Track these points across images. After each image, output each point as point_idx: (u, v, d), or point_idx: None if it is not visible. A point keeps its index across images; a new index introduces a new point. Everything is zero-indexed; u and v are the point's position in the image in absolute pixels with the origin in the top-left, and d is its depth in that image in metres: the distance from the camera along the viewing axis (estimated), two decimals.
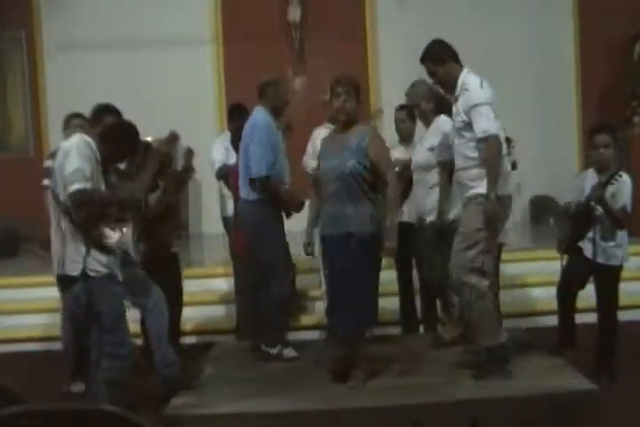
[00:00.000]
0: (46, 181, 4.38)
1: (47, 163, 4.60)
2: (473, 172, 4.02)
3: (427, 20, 8.82)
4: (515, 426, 3.62)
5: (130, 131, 3.73)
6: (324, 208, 4.11)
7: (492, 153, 3.94)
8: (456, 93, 4.08)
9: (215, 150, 5.74)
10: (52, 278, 3.73)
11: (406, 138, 5.26)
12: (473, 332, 4.11)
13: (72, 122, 4.81)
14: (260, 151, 4.42)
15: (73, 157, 3.44)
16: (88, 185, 3.41)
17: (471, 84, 4.01)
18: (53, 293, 4.13)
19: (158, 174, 4.39)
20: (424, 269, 4.81)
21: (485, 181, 3.93)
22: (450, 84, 4.12)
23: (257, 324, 4.69)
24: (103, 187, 3.57)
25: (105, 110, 4.21)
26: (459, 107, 4.05)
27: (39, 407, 1.71)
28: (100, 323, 3.55)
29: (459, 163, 4.13)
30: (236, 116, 5.64)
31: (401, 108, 5.23)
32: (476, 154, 4.00)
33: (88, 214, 3.43)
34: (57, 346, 4.83)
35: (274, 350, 4.49)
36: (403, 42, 8.69)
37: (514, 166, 4.84)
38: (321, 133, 5.65)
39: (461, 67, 4.12)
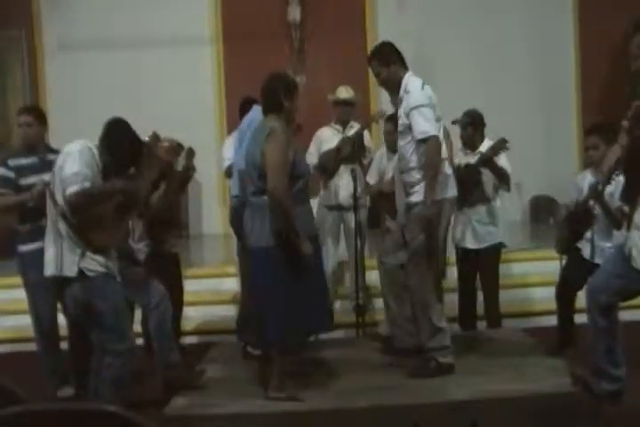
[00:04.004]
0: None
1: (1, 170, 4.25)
2: (413, 174, 4.06)
3: (427, 20, 8.84)
4: (515, 426, 3.62)
5: (131, 145, 3.66)
6: None
7: (432, 154, 3.96)
8: (399, 96, 4.12)
9: (226, 148, 5.59)
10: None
11: (394, 148, 5.25)
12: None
13: (20, 119, 4.34)
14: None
15: (73, 160, 3.44)
16: (87, 185, 3.40)
17: (412, 86, 4.05)
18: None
19: (160, 179, 4.40)
20: None
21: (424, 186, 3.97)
22: (393, 86, 4.16)
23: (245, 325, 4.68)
24: None
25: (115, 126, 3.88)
26: (401, 109, 4.09)
27: (39, 407, 1.71)
28: (100, 321, 3.55)
29: (401, 164, 4.17)
30: (247, 110, 5.54)
31: (388, 119, 5.17)
32: (414, 156, 4.04)
33: (85, 217, 3.43)
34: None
35: (257, 351, 4.50)
36: (403, 42, 8.66)
37: (503, 177, 4.85)
38: (325, 133, 5.66)
39: (406, 70, 4.16)
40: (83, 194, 3.38)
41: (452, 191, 4.17)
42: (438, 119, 4.05)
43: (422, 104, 3.96)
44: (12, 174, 4.23)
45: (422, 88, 4.03)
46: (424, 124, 3.94)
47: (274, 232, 3.69)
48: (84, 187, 3.38)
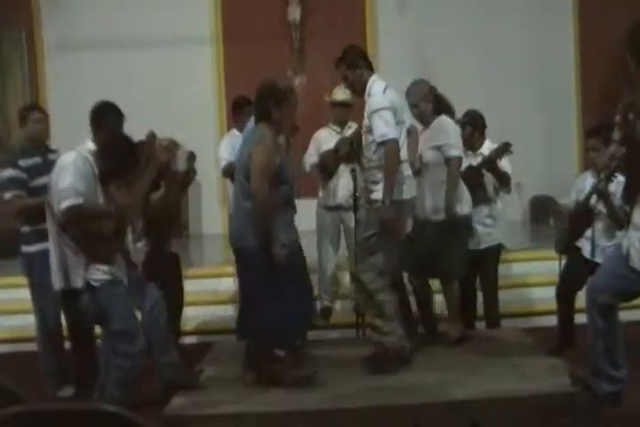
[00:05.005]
0: (8, 194, 4.16)
1: (6, 173, 4.20)
2: (374, 173, 4.19)
3: (427, 20, 8.84)
4: (515, 426, 3.62)
5: (125, 146, 3.65)
6: None
7: (389, 157, 4.07)
8: (364, 98, 4.23)
9: (222, 148, 5.57)
10: None
11: None
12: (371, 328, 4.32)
13: (30, 116, 4.38)
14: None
15: (67, 174, 3.46)
16: (80, 200, 3.41)
17: (374, 90, 4.18)
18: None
19: (158, 178, 4.39)
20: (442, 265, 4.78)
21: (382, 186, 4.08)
22: (360, 89, 4.29)
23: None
24: (101, 200, 3.57)
25: (105, 111, 3.95)
26: (365, 112, 4.20)
27: (39, 407, 1.71)
28: (110, 326, 3.58)
29: (365, 163, 4.32)
30: (239, 110, 5.48)
31: None
32: (375, 156, 4.17)
33: (82, 230, 3.43)
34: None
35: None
36: (403, 42, 8.70)
37: (504, 179, 4.86)
38: (323, 134, 5.66)
39: (372, 73, 4.27)
40: (73, 210, 3.39)
41: (410, 192, 4.28)
42: (400, 122, 4.17)
43: (383, 107, 4.08)
44: (24, 175, 4.20)
45: (384, 91, 4.15)
46: (383, 128, 4.06)
47: (260, 233, 3.80)
48: (75, 203, 3.39)
